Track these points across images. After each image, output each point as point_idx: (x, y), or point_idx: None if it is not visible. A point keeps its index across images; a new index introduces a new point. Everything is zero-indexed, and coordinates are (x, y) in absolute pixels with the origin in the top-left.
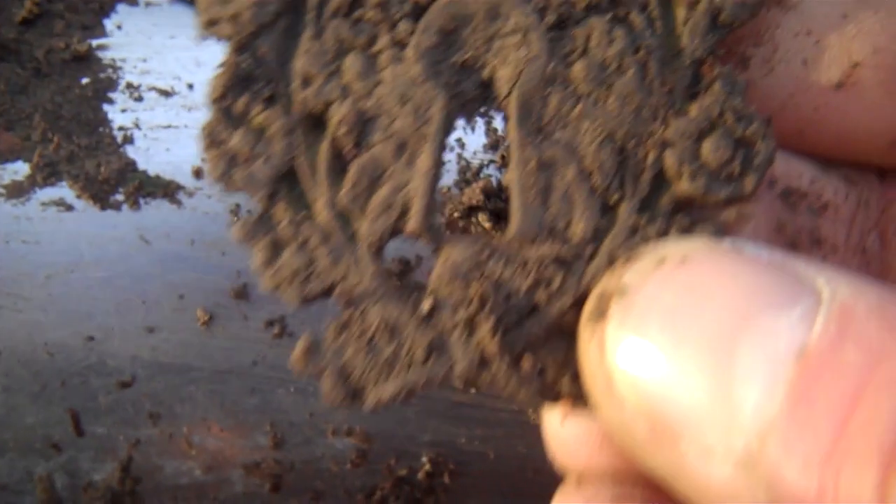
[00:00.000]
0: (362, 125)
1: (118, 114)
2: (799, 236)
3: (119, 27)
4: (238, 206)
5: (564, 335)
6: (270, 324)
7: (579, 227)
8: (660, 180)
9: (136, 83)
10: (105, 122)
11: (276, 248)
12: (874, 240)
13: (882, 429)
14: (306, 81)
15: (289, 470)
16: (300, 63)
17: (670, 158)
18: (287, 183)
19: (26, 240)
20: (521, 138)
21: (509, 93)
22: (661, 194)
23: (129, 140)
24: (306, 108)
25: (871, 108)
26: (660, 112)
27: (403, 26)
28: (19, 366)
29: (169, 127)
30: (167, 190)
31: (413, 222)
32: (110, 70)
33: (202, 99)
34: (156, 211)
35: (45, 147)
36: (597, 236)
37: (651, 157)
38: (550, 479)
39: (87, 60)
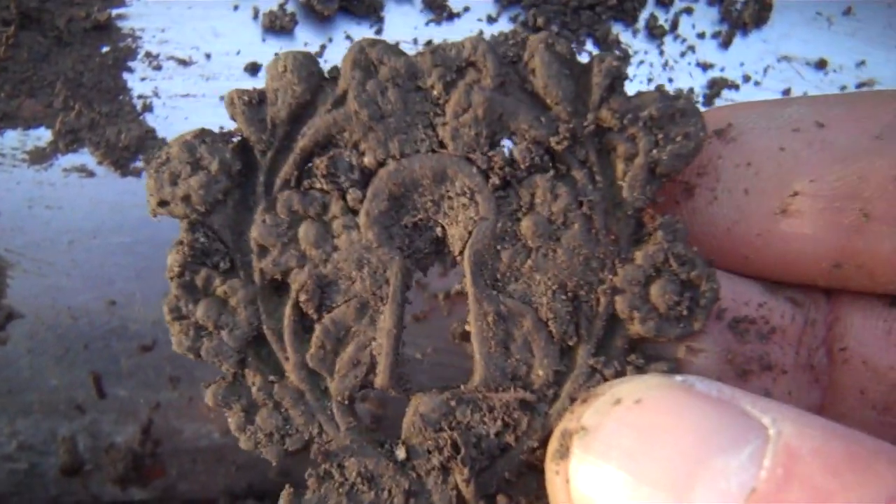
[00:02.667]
0: (322, 289)
1: (137, 82)
2: (749, 364)
3: None
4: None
5: (534, 471)
6: None
7: (540, 373)
8: (613, 323)
9: (154, 52)
10: (125, 90)
11: (250, 412)
12: (822, 357)
13: None
14: (263, 251)
15: None
16: (255, 234)
17: (621, 304)
18: (255, 347)
19: (49, 205)
20: (476, 293)
21: (462, 251)
22: (615, 336)
23: (148, 108)
24: (266, 276)
25: (812, 234)
26: (607, 261)
27: (353, 194)
28: (44, 329)
29: (187, 96)
30: None
31: (381, 378)
32: (129, 39)
33: (220, 68)
34: None
35: (67, 114)
36: (557, 379)
37: (603, 304)
38: None
39: (107, 29)
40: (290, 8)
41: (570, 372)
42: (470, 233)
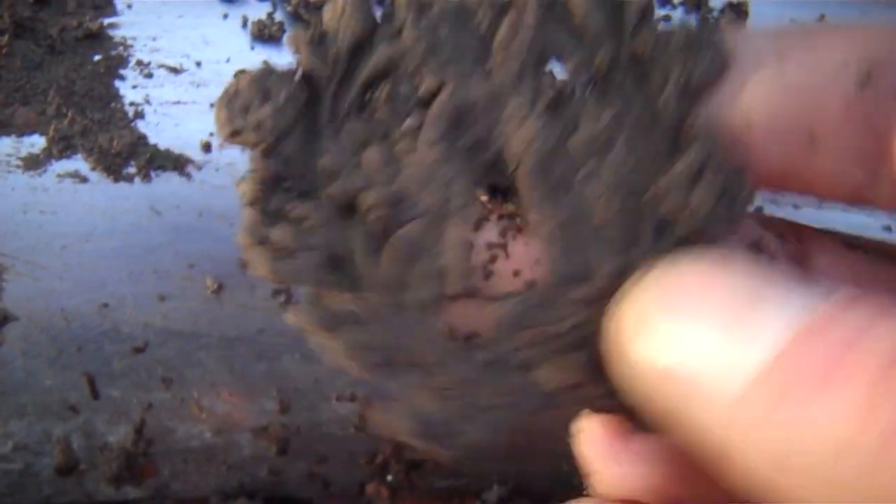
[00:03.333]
0: (391, 209)
1: (129, 90)
2: None
3: (129, 6)
4: (245, 179)
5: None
6: (277, 293)
7: (601, 272)
8: (660, 226)
9: (146, 60)
10: (117, 97)
11: (334, 330)
12: None
13: (881, 346)
14: (332, 176)
15: (295, 434)
16: (324, 160)
17: (666, 208)
18: (331, 267)
19: (43, 210)
20: (536, 205)
21: (517, 168)
22: (663, 237)
23: (140, 115)
24: (336, 199)
25: (763, 156)
26: (651, 171)
27: (413, 119)
28: (37, 331)
29: (178, 103)
30: (177, 163)
31: (453, 285)
32: (121, 48)
33: (210, 76)
34: (166, 184)
35: (60, 121)
36: (617, 278)
37: (650, 209)
38: (546, 442)
39: (98, 38)
40: (277, 17)
41: (627, 271)
42: (524, 152)
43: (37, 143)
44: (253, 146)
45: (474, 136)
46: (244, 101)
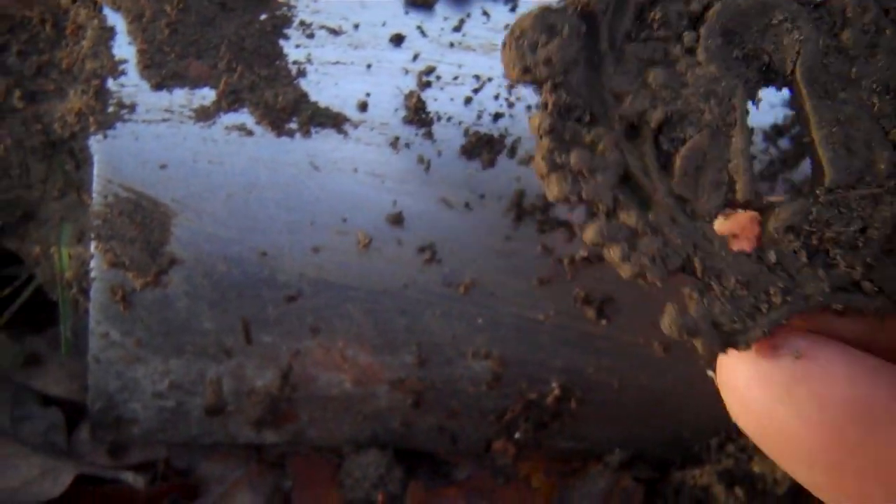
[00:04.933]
0: (676, 124)
1: (293, 49)
2: None
3: None
4: (397, 138)
5: (891, 257)
6: (422, 250)
7: (881, 167)
8: None
9: (308, 21)
10: (281, 55)
11: (630, 242)
12: None
13: None
14: (618, 99)
15: (429, 388)
16: (610, 84)
17: None
18: (624, 185)
19: (211, 160)
20: (814, 104)
21: (793, 71)
22: None
23: (302, 73)
24: (624, 121)
25: None
26: None
27: (688, 36)
28: (200, 275)
29: (337, 63)
30: (335, 121)
31: (741, 193)
32: (285, 8)
33: (367, 38)
34: (325, 140)
35: (230, 76)
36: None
37: None
38: (668, 409)
39: None
40: None
41: None
42: (798, 53)
43: (208, 95)
44: (543, 81)
45: (747, 46)
46: (531, 40)
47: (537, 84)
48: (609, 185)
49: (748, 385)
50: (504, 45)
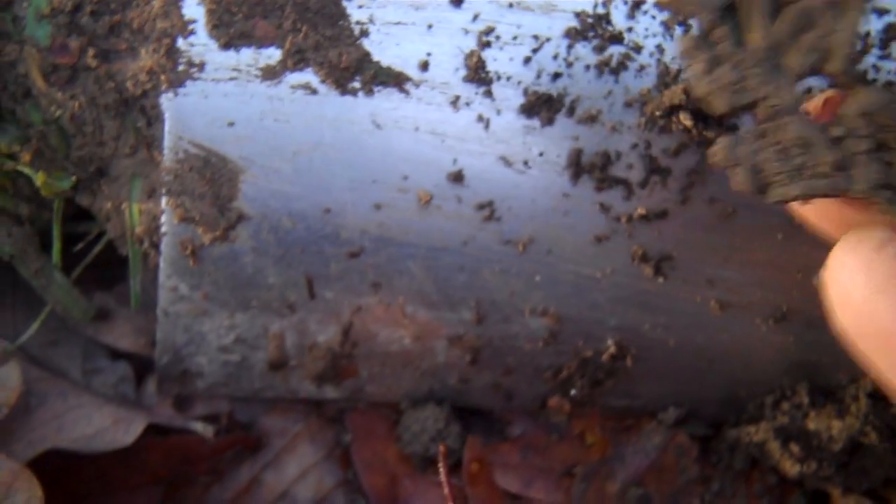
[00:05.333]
0: None
1: (355, 9)
2: None
3: None
4: (457, 97)
5: None
6: (481, 207)
7: None
8: None
9: None
10: (345, 16)
11: (713, 63)
12: None
13: None
14: None
15: (487, 345)
16: None
17: None
18: (729, 15)
19: (278, 118)
20: None
21: None
22: None
23: (365, 33)
24: None
25: None
26: None
27: None
28: (266, 231)
29: (399, 24)
30: (397, 80)
31: (836, 63)
32: None
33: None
34: (387, 99)
35: (295, 35)
36: None
37: None
38: (723, 368)
39: None
40: None
41: None
42: None
43: (274, 55)
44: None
45: None
46: None
47: None
48: (717, 3)
49: (852, 276)
50: None
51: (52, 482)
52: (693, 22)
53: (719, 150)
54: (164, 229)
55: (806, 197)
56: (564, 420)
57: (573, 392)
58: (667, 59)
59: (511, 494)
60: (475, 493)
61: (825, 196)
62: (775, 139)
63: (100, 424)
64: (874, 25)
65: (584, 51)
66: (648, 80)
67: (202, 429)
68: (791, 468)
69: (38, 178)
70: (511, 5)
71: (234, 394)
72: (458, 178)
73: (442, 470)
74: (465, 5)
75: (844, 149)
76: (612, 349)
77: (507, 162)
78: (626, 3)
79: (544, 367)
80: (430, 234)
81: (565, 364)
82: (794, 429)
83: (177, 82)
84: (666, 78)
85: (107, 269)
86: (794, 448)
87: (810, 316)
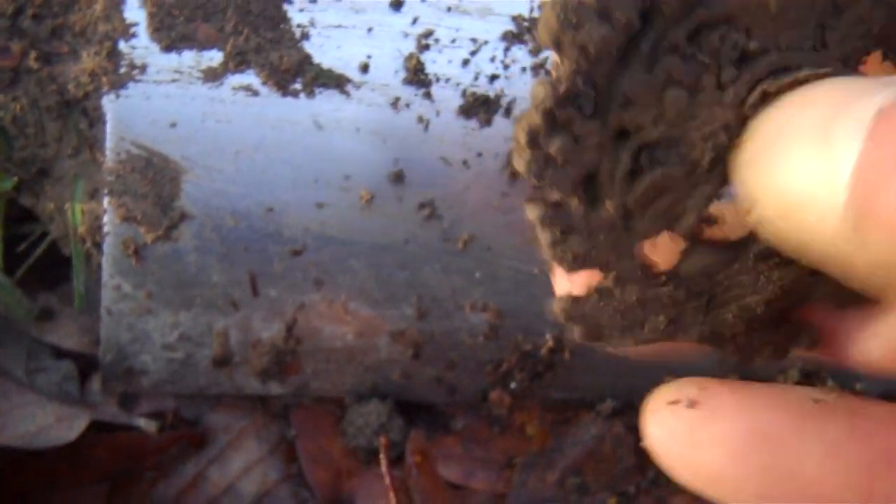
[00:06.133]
0: (665, 147)
1: (296, 13)
2: None
3: None
4: (398, 99)
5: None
6: (422, 206)
7: None
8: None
9: None
10: (286, 19)
11: (565, 233)
12: None
13: None
14: (627, 104)
15: (429, 340)
16: (629, 87)
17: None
18: (585, 183)
19: (219, 119)
20: None
21: None
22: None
23: (306, 36)
24: (620, 125)
25: None
26: None
27: (728, 73)
28: (209, 230)
29: (339, 27)
30: (338, 82)
31: (683, 227)
32: None
33: (368, 3)
34: (328, 100)
35: (237, 38)
36: None
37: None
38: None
39: None
40: None
41: None
42: None
43: (215, 57)
44: (569, 61)
45: None
46: (580, 16)
47: (560, 58)
48: (575, 180)
49: (662, 441)
50: (549, 4)
51: None
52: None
53: (559, 305)
54: (106, 229)
55: (639, 345)
56: (506, 412)
57: (513, 385)
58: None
59: (453, 485)
60: (418, 484)
61: (657, 341)
62: (617, 301)
63: (43, 422)
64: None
65: (520, 53)
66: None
67: (146, 425)
68: None
69: None
70: (449, 9)
71: (180, 391)
72: (399, 177)
73: (383, 462)
74: (404, 9)
75: (680, 304)
76: (551, 343)
77: (447, 162)
78: None
79: (485, 361)
80: (373, 232)
81: (506, 358)
82: None
83: (118, 84)
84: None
85: (50, 269)
86: None
87: None
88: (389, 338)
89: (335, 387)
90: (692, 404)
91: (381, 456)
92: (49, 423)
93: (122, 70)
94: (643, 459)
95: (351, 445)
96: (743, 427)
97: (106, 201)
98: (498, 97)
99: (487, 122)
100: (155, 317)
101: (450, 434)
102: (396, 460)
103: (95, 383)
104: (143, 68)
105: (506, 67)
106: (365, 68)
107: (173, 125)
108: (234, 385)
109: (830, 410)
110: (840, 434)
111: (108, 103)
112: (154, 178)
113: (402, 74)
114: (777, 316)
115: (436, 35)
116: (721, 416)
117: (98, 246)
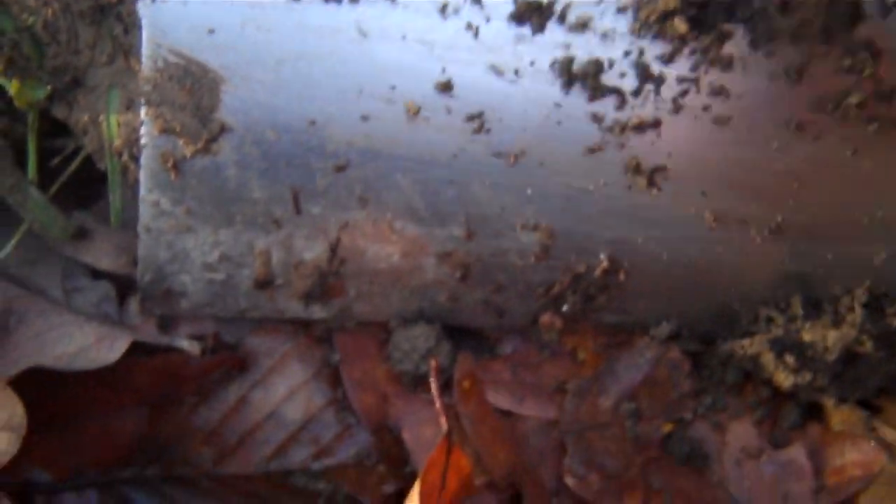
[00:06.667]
0: None
1: None
2: None
3: None
4: (446, 4)
5: None
6: (471, 118)
7: None
8: None
9: None
10: None
11: None
12: None
13: None
14: None
15: (477, 261)
16: None
17: None
18: None
19: (260, 26)
20: None
21: None
22: None
23: None
24: None
25: None
26: None
27: None
28: (250, 143)
29: None
30: None
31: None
32: None
33: None
34: (372, 6)
35: None
36: None
37: None
38: (717, 281)
39: None
40: None
41: None
42: None
43: None
44: None
45: None
46: None
47: None
48: None
49: None
50: None
51: (35, 401)
52: None
53: None
54: (143, 141)
55: None
56: (556, 337)
57: (565, 308)
58: None
59: (503, 411)
60: (467, 410)
61: None
62: None
63: (82, 342)
64: None
65: None
66: None
67: (189, 346)
68: (785, 380)
69: (12, 88)
70: None
71: (220, 314)
72: (447, 87)
73: (434, 386)
74: None
75: None
76: (605, 263)
77: (497, 71)
78: None
79: (536, 284)
80: (419, 146)
81: (557, 280)
82: (788, 340)
83: None
84: None
85: (85, 186)
86: (789, 359)
87: (805, 226)
88: (436, 259)
89: (380, 310)
90: None
91: (431, 380)
92: (88, 343)
93: None
94: (700, 384)
95: (396, 370)
96: None
97: (143, 112)
98: (551, 2)
99: (540, 29)
100: (194, 235)
101: (498, 359)
102: (444, 386)
103: (134, 305)
104: None
105: None
106: None
107: (211, 32)
108: (275, 308)
109: None
110: None
111: (144, 8)
112: (192, 88)
113: None
114: None
115: None
116: None
117: (135, 159)
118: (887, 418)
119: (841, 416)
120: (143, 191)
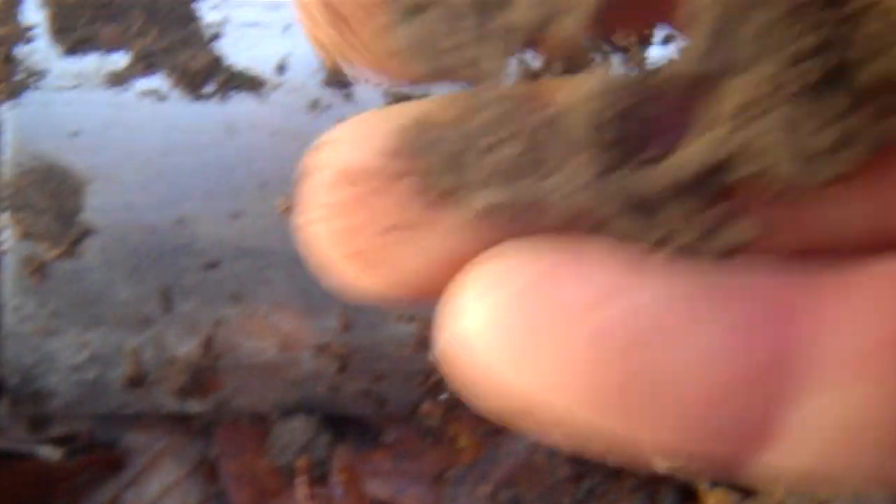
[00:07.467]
0: None
1: (208, 11)
2: None
3: None
4: (317, 101)
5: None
6: None
7: None
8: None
9: None
10: (196, 17)
11: (412, 11)
12: None
13: None
14: None
15: (355, 352)
16: None
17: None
18: None
19: (125, 127)
20: None
21: None
22: None
23: (218, 35)
24: None
25: None
26: None
27: None
28: (116, 244)
29: (255, 25)
30: (252, 84)
31: (570, 23)
32: None
33: None
34: (241, 104)
35: (143, 39)
36: None
37: None
38: None
39: None
40: None
41: None
42: None
43: (120, 60)
44: None
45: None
46: None
47: None
48: None
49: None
50: None
51: None
52: None
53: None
54: (5, 246)
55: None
56: (437, 424)
57: (444, 396)
58: None
59: (382, 502)
60: (344, 503)
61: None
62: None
63: None
64: None
65: None
66: None
67: (49, 452)
68: (661, 463)
69: None
70: None
71: (93, 412)
72: None
73: (303, 485)
74: None
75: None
76: None
77: None
78: None
79: (415, 372)
80: (291, 241)
81: (435, 368)
82: None
83: (15, 92)
84: None
85: None
86: None
87: None
88: (313, 351)
89: (258, 403)
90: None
91: (299, 479)
92: None
93: (19, 77)
94: (578, 470)
95: (276, 464)
96: (616, 313)
97: (4, 217)
98: (424, 96)
99: None
100: (61, 337)
101: (379, 448)
102: (322, 478)
103: (3, 406)
104: (43, 74)
105: None
106: (281, 69)
107: (75, 134)
108: (150, 404)
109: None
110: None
111: (5, 112)
112: (55, 191)
113: (321, 75)
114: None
115: None
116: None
117: None
118: (760, 500)
119: (715, 498)
120: (6, 295)
